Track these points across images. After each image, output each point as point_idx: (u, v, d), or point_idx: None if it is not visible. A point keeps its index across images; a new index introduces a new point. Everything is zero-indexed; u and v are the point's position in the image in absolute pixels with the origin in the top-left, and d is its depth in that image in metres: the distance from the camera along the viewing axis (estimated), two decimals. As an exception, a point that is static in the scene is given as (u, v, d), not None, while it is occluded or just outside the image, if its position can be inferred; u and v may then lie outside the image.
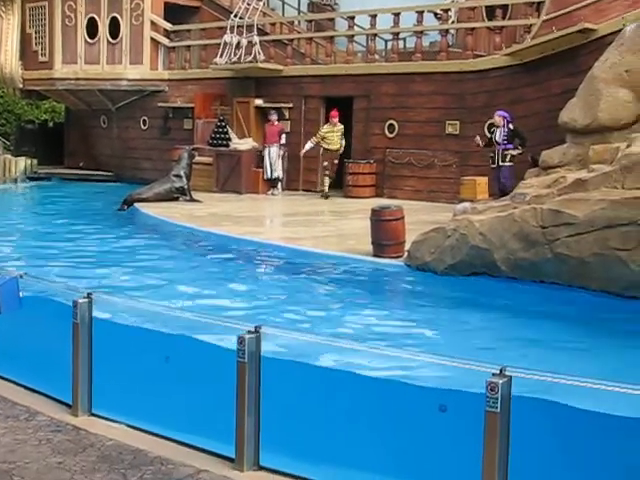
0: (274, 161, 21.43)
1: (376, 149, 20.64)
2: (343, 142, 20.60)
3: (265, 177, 21.60)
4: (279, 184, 21.58)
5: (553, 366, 4.66)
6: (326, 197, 20.13)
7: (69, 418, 6.01)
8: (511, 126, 16.45)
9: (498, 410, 4.14)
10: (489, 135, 17.18)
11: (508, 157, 16.35)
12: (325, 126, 20.63)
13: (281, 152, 21.58)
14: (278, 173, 21.54)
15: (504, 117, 16.59)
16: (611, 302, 9.56)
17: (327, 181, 20.45)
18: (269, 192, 21.45)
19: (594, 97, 12.63)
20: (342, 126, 20.54)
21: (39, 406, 6.25)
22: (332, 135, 20.37)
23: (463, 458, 4.45)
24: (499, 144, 16.38)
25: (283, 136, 21.57)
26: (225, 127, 22.48)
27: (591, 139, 12.35)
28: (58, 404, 6.30)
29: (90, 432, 5.72)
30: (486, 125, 18.13)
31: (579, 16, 16.52)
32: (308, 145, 20.63)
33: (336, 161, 20.56)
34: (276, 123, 21.60)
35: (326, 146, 20.38)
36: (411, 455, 4.68)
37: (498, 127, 16.51)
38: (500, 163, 16.40)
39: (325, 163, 20.46)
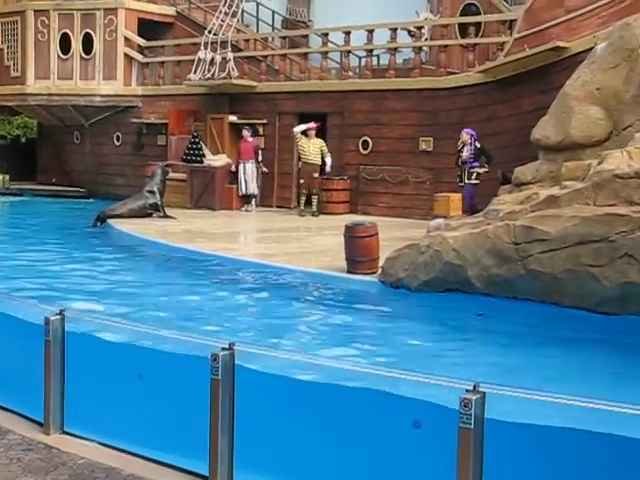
0: (249, 177, 21.41)
1: (350, 165, 20.71)
2: (328, 159, 20.10)
3: (240, 193, 21.58)
4: (253, 200, 21.58)
5: (526, 382, 4.67)
6: (317, 215, 19.90)
7: (41, 436, 5.95)
8: (477, 144, 16.63)
9: (472, 426, 4.14)
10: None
11: (474, 175, 16.57)
12: (303, 137, 20.36)
13: (257, 169, 21.57)
14: (253, 190, 21.53)
15: (471, 135, 16.73)
16: (583, 317, 9.61)
17: (314, 198, 20.10)
18: (243, 208, 21.44)
19: (566, 114, 12.74)
20: (321, 140, 20.35)
21: (10, 424, 6.19)
22: (307, 147, 20.19)
23: (437, 474, 4.45)
24: (465, 162, 16.61)
25: (260, 152, 21.56)
26: (199, 143, 22.46)
27: (563, 156, 12.45)
28: (30, 422, 6.24)
29: (62, 450, 5.67)
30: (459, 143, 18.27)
31: (551, 34, 16.69)
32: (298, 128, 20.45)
33: (315, 174, 20.19)
34: (250, 139, 21.59)
35: (303, 159, 20.31)
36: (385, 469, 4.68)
37: (465, 145, 16.70)
38: (466, 181, 16.63)
39: (302, 180, 20.38)
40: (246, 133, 21.58)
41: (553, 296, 9.95)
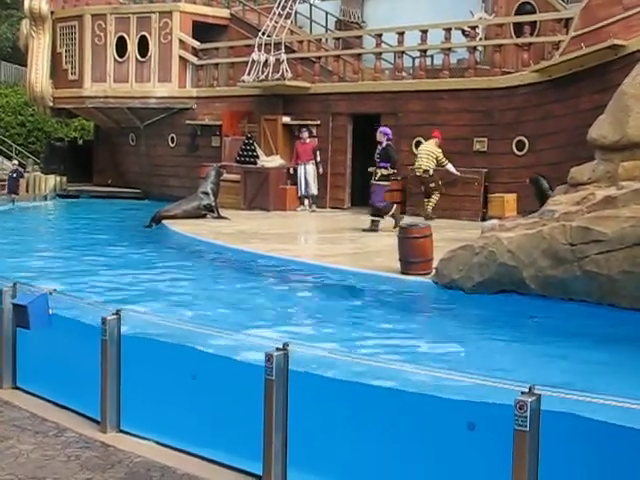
0: (311, 178, 21.38)
1: (403, 166, 20.62)
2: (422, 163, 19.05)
3: (299, 194, 21.62)
4: (306, 201, 21.59)
5: (584, 384, 4.62)
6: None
7: (97, 434, 6.03)
8: (385, 144, 16.44)
9: (527, 429, 4.11)
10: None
11: (379, 175, 16.37)
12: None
13: (316, 169, 21.52)
14: (313, 190, 21.51)
15: (385, 134, 16.54)
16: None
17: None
18: (299, 208, 21.45)
19: (623, 113, 12.54)
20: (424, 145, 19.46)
21: (68, 422, 6.29)
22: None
23: (492, 477, 4.42)
24: (376, 161, 16.57)
25: (317, 153, 21.53)
26: (253, 145, 22.56)
27: (620, 156, 12.25)
28: (87, 420, 6.33)
29: (118, 449, 5.74)
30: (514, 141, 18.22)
31: (608, 32, 16.47)
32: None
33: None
34: (308, 141, 21.61)
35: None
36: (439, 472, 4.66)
37: (380, 144, 16.61)
38: (372, 181, 16.58)
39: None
40: (305, 135, 21.59)
41: (610, 297, 9.82)
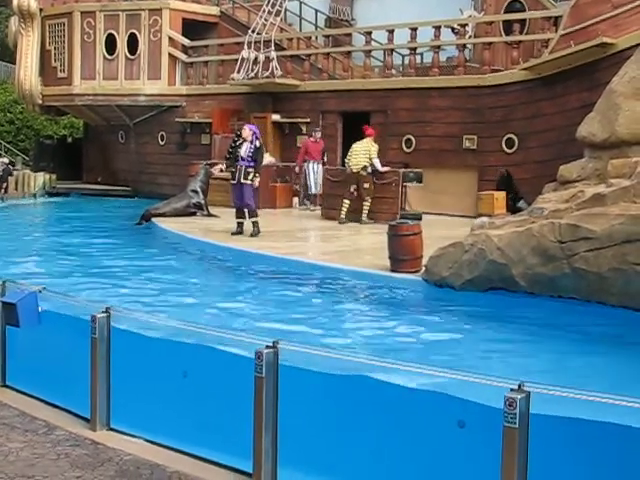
0: (320, 177, 20.86)
1: (393, 164, 20.62)
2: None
3: (306, 192, 21.27)
4: (311, 199, 21.34)
5: (575, 382, 4.63)
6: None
7: (87, 432, 6.03)
8: (257, 143, 15.94)
9: (516, 426, 4.12)
10: (231, 148, 16.73)
11: (250, 176, 15.81)
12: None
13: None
14: (319, 189, 21.12)
15: (253, 132, 16.06)
16: (630, 316, 9.51)
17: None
18: (301, 207, 21.22)
19: (612, 111, 12.59)
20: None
21: (58, 420, 6.28)
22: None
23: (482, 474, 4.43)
24: (243, 159, 15.88)
25: (325, 154, 21.21)
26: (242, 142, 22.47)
27: (609, 153, 12.30)
28: (76, 418, 6.32)
29: (108, 446, 5.74)
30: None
31: (597, 30, 16.51)
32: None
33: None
34: (319, 140, 21.14)
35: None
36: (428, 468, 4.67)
37: (245, 141, 15.98)
38: (242, 180, 15.89)
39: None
40: (318, 134, 21.14)
41: (599, 295, 9.85)
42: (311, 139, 21.21)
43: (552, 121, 17.77)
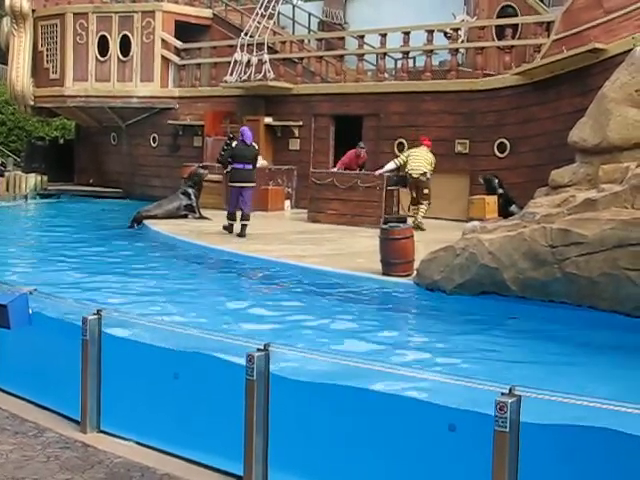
0: None
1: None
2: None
3: None
4: None
5: (565, 387, 4.64)
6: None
7: (77, 435, 6.01)
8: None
9: (507, 430, 4.12)
10: (223, 151, 17.43)
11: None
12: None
13: None
14: None
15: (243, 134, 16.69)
16: (620, 322, 9.53)
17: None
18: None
19: (604, 117, 12.62)
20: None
21: (48, 422, 6.26)
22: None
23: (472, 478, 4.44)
24: (249, 163, 16.63)
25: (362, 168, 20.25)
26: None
27: (601, 159, 12.33)
28: (67, 421, 6.30)
29: (98, 449, 5.72)
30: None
31: (589, 36, 16.57)
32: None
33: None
34: (362, 155, 20.17)
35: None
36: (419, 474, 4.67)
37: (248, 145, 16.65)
38: (245, 184, 16.61)
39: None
40: (362, 151, 20.09)
41: (589, 300, 9.87)
42: (356, 151, 20.24)
43: (544, 126, 17.82)
